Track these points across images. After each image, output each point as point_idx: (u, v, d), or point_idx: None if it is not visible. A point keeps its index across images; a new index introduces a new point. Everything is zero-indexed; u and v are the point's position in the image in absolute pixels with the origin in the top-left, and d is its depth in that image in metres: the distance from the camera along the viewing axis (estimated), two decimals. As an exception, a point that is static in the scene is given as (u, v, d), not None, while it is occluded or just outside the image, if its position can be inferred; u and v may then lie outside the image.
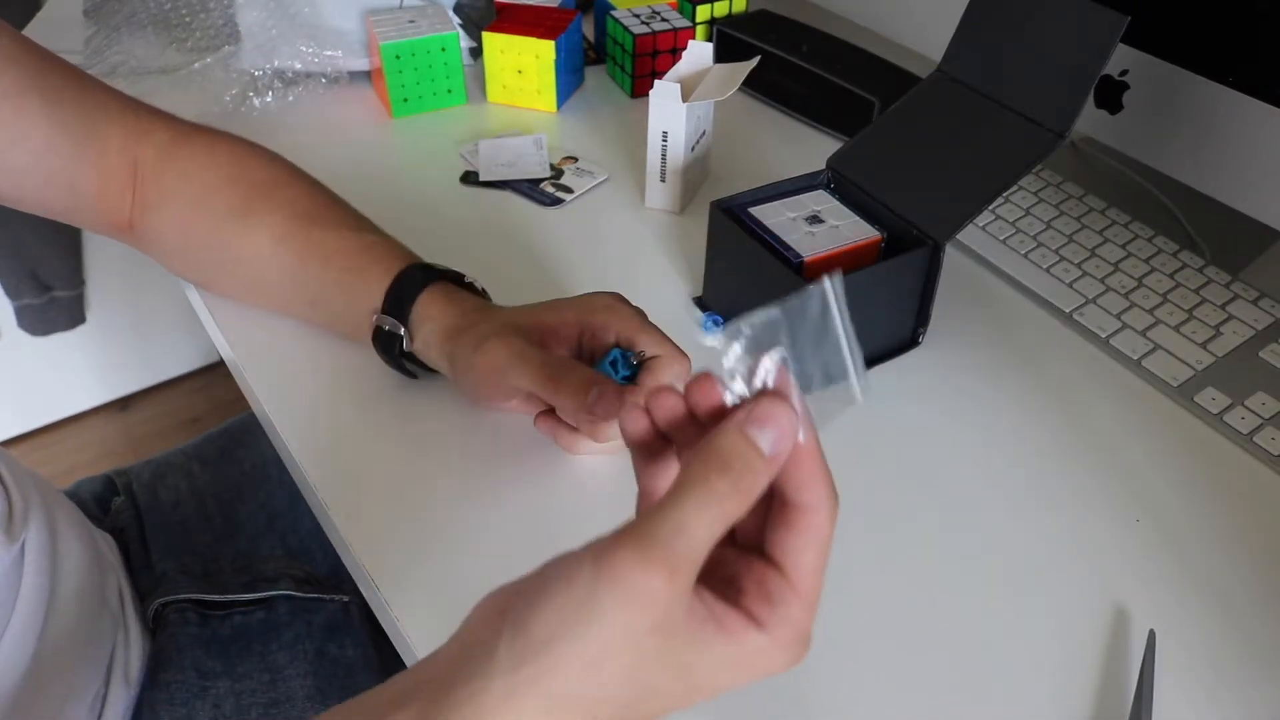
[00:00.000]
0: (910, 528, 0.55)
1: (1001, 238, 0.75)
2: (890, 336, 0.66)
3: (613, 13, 0.93)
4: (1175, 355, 0.66)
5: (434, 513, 0.54)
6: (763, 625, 0.32)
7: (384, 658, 0.69)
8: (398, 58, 0.86)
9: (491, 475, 0.56)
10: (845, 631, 0.49)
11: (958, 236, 0.70)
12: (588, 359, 0.54)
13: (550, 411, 0.56)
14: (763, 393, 0.33)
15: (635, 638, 0.30)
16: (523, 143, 0.85)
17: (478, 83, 0.93)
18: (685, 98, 0.72)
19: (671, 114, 0.73)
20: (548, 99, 0.90)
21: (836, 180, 0.68)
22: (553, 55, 0.87)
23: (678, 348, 0.53)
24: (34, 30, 0.99)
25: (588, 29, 1.02)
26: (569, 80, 0.93)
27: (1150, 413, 0.63)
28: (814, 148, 0.87)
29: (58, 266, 1.49)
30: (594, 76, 0.98)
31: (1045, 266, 0.73)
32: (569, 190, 0.80)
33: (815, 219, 0.64)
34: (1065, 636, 0.50)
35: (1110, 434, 0.61)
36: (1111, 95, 0.74)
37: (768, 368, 0.33)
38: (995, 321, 0.70)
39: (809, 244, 0.62)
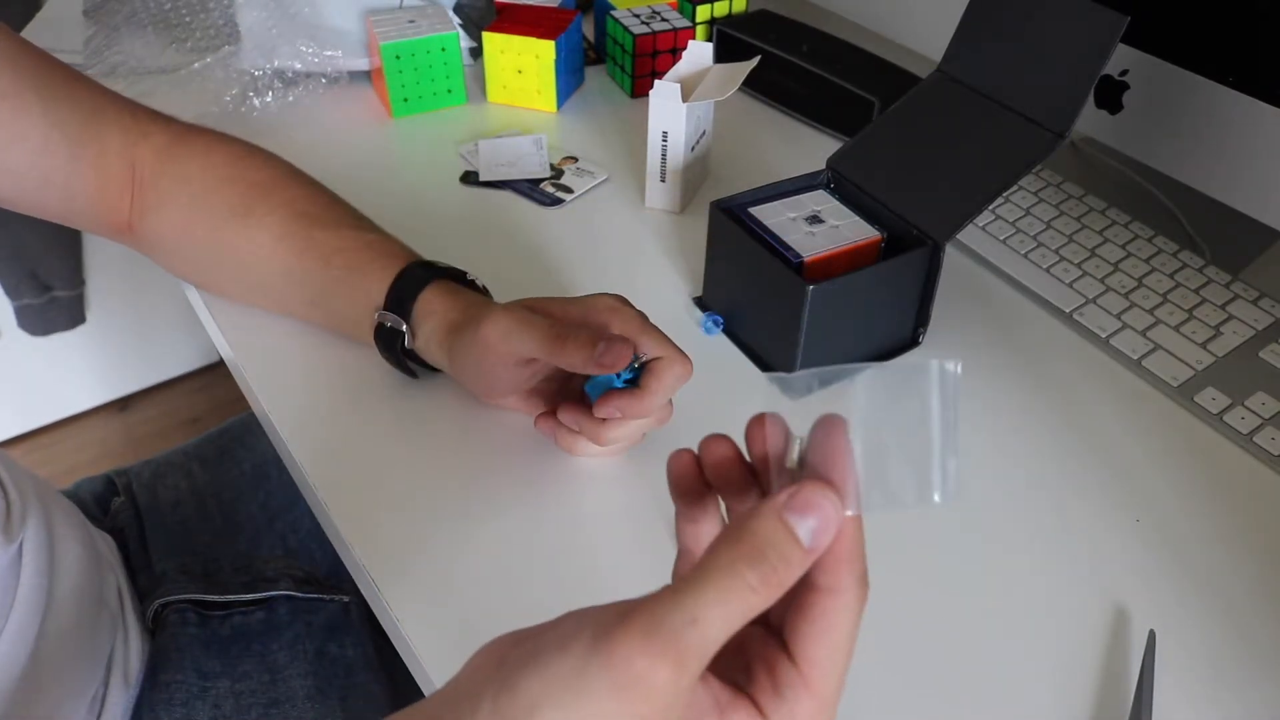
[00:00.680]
0: (910, 528, 0.55)
1: (1001, 238, 0.75)
2: (890, 336, 0.66)
3: (613, 13, 0.93)
4: (1175, 355, 0.66)
5: (434, 513, 0.54)
6: (768, 714, 0.30)
7: (384, 658, 0.69)
8: (398, 58, 0.86)
9: (491, 475, 0.56)
10: (845, 631, 0.49)
11: (958, 236, 0.70)
12: None
13: (551, 413, 0.56)
14: (810, 468, 0.29)
15: None
16: (523, 143, 0.85)
17: (478, 83, 0.93)
18: (685, 98, 0.72)
19: (671, 114, 0.73)
20: (548, 99, 0.90)
21: (836, 180, 0.68)
22: (553, 55, 0.87)
23: (680, 350, 0.53)
24: (34, 30, 0.99)
25: (588, 29, 1.02)
26: (569, 80, 0.93)
27: (1150, 413, 0.63)
28: (814, 148, 0.87)
29: (58, 266, 1.49)
30: (594, 76, 0.98)
31: (1045, 266, 0.73)
32: (569, 190, 0.80)
33: (815, 219, 0.64)
34: (1065, 636, 0.50)
35: (1110, 434, 0.61)
36: (1111, 95, 0.74)
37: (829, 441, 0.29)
38: (995, 321, 0.70)
39: (809, 244, 0.62)
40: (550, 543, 0.53)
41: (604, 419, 0.52)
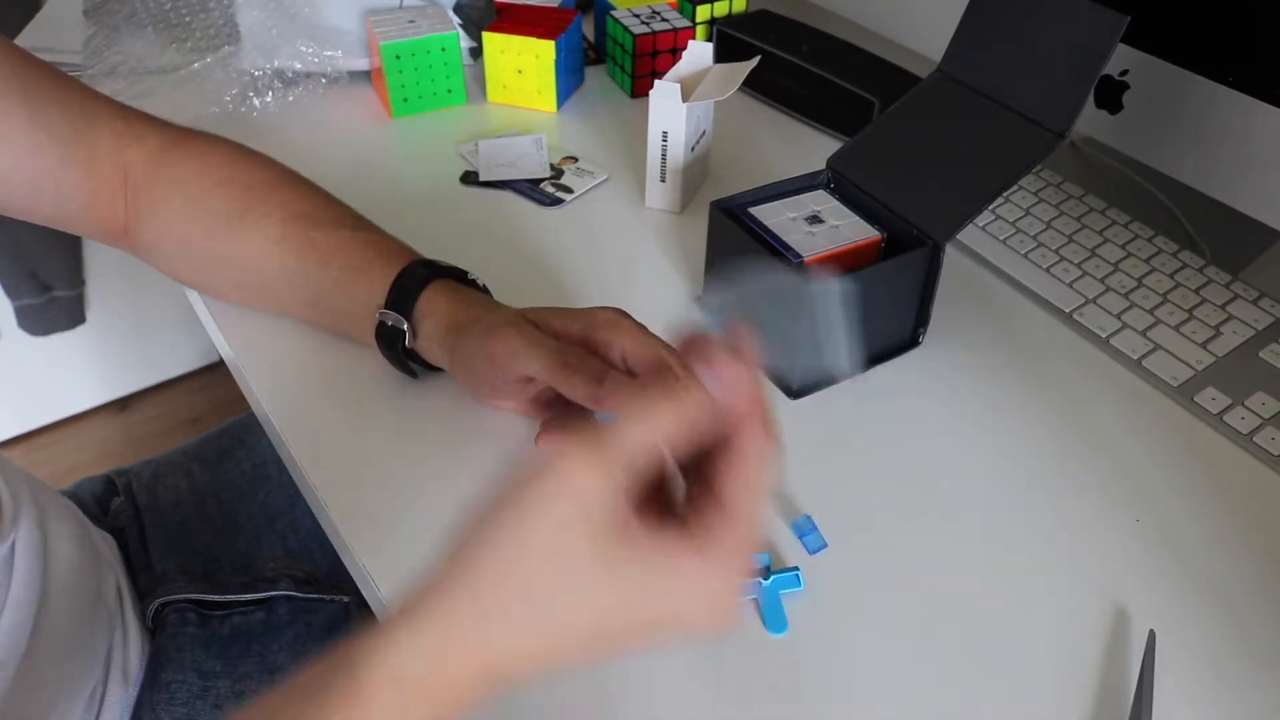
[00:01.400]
0: (910, 527, 0.55)
1: (1001, 238, 0.75)
2: (890, 336, 0.66)
3: (613, 13, 0.93)
4: (1175, 355, 0.66)
5: (434, 512, 0.54)
6: (694, 538, 0.35)
7: (384, 657, 0.69)
8: (398, 58, 0.86)
9: (492, 475, 0.56)
10: (845, 631, 0.49)
11: (958, 236, 0.70)
12: None
13: (553, 430, 0.56)
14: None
15: (563, 531, 0.33)
16: (523, 143, 0.85)
17: (478, 83, 0.93)
18: (685, 98, 0.72)
19: (671, 114, 0.73)
20: (548, 99, 0.90)
21: (836, 180, 0.68)
22: (553, 55, 0.87)
23: (675, 350, 0.53)
24: (34, 30, 0.99)
25: (588, 29, 1.02)
26: (569, 80, 0.93)
27: (1150, 413, 0.63)
28: (814, 148, 0.87)
29: (58, 266, 1.49)
30: (594, 76, 0.98)
31: (1045, 266, 0.73)
32: (569, 190, 0.80)
33: (815, 219, 0.64)
34: (1065, 636, 0.50)
35: (1110, 434, 0.61)
36: (1111, 95, 0.74)
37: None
38: (995, 321, 0.70)
39: (809, 244, 0.62)
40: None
41: None
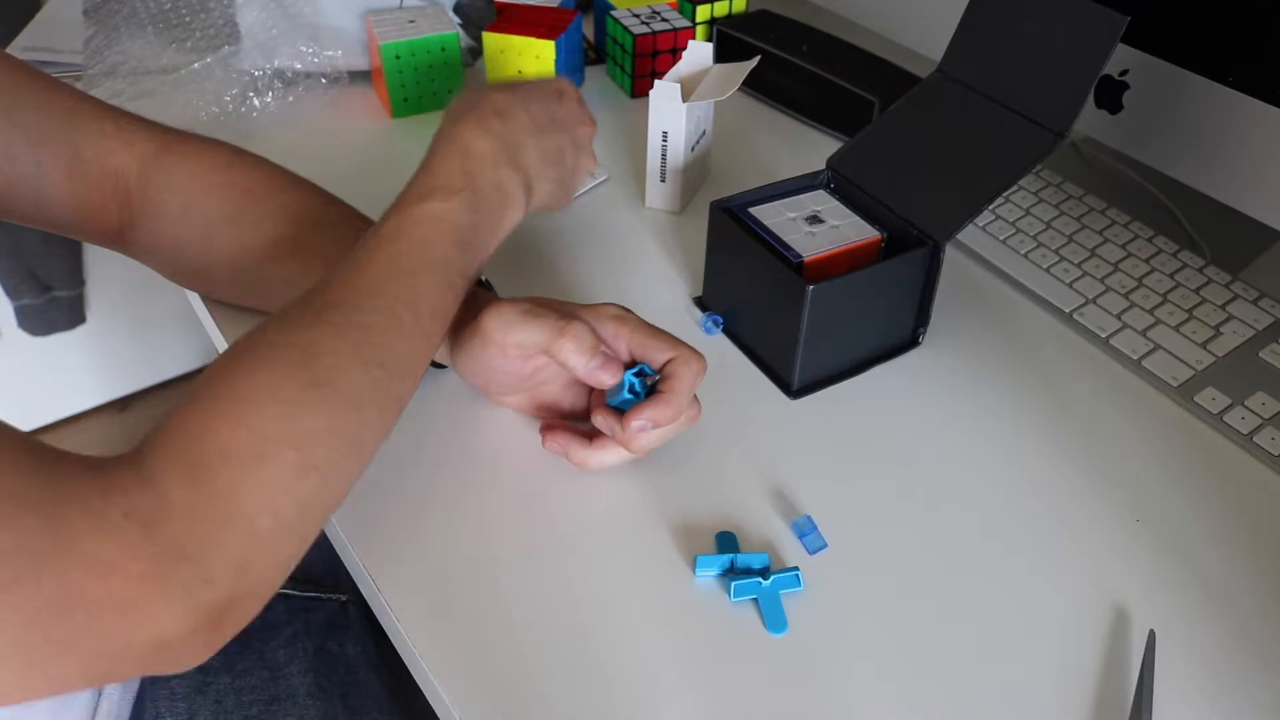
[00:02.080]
0: (910, 527, 0.55)
1: (1001, 238, 0.75)
2: (890, 336, 0.66)
3: (613, 13, 0.93)
4: (1175, 355, 0.66)
5: (434, 512, 0.54)
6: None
7: (384, 655, 0.69)
8: (398, 58, 0.86)
9: (491, 474, 0.56)
10: (845, 631, 0.49)
11: (958, 236, 0.70)
12: None
13: (558, 427, 0.56)
14: None
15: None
16: (523, 143, 0.85)
17: (478, 83, 0.93)
18: (685, 98, 0.72)
19: (671, 114, 0.73)
20: (548, 99, 0.90)
21: (836, 180, 0.68)
22: (553, 55, 0.87)
23: (690, 347, 0.53)
24: (34, 30, 0.99)
25: (588, 29, 1.02)
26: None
27: (1150, 413, 0.63)
28: (814, 148, 0.87)
29: (58, 266, 1.49)
30: (594, 76, 0.98)
31: (1045, 266, 0.73)
32: (569, 190, 0.80)
33: (815, 219, 0.64)
34: (1065, 636, 0.50)
35: (1110, 434, 0.61)
36: (1111, 95, 0.74)
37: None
38: (995, 321, 0.70)
39: (809, 244, 0.62)
40: (549, 541, 0.53)
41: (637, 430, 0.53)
